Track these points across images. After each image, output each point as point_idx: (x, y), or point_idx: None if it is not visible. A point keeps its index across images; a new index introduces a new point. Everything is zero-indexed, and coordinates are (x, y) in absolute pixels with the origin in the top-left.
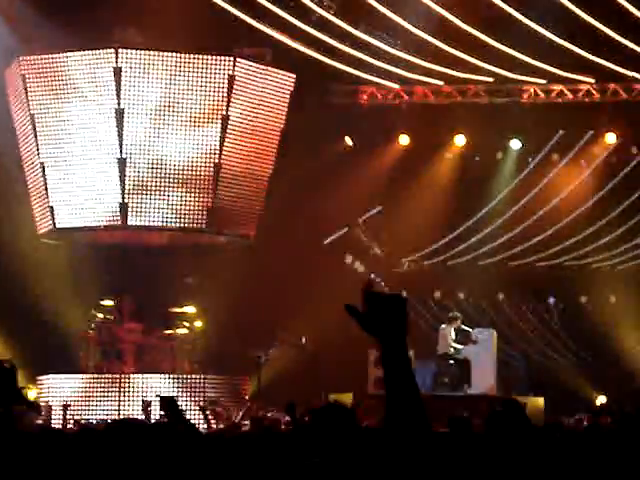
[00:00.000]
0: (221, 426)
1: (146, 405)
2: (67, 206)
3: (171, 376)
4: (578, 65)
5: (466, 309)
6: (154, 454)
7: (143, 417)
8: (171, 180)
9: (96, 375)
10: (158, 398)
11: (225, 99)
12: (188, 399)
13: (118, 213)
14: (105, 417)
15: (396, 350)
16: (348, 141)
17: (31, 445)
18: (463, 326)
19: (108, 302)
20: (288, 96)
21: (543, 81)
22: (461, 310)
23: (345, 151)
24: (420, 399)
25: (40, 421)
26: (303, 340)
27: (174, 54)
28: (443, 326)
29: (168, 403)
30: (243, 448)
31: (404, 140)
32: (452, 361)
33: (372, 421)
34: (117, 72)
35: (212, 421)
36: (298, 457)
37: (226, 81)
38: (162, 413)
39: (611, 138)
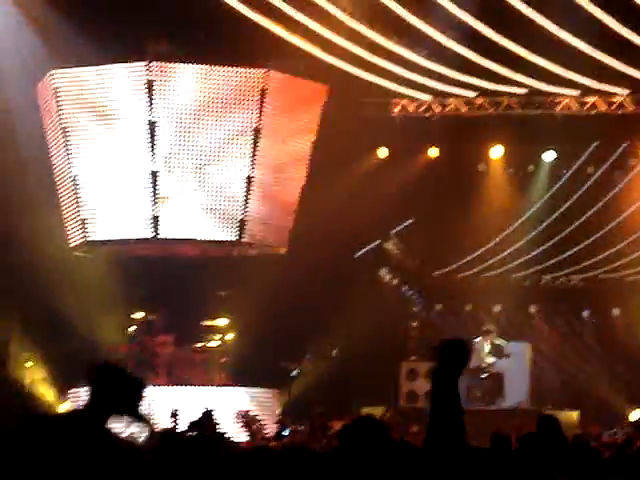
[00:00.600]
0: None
1: (173, 414)
2: (99, 219)
3: (203, 389)
4: (612, 76)
5: (499, 322)
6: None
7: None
8: (203, 192)
9: None
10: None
11: (257, 111)
12: (220, 412)
13: (150, 225)
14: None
15: (451, 380)
16: (384, 152)
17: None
18: (496, 339)
19: (140, 315)
20: (320, 108)
21: (576, 93)
22: (494, 323)
23: (378, 163)
24: (462, 422)
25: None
26: (334, 353)
27: (206, 66)
28: (477, 340)
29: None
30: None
31: (436, 152)
32: (485, 375)
33: (395, 435)
34: (149, 85)
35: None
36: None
37: (258, 93)
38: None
39: None
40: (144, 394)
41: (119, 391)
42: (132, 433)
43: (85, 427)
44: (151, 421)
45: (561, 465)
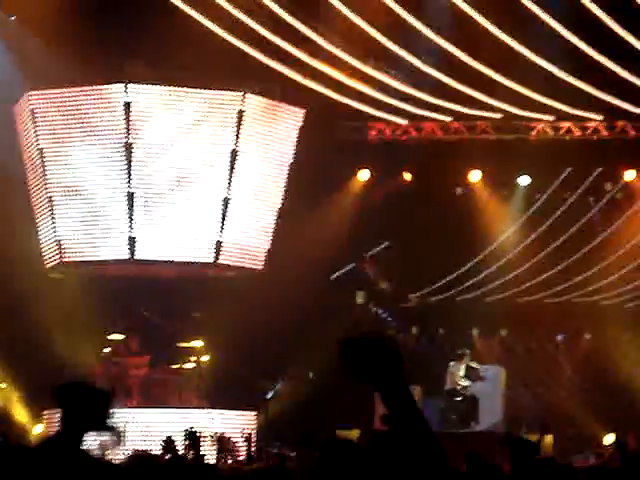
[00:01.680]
0: (229, 461)
1: (168, 442)
2: (75, 240)
3: (177, 411)
4: (586, 102)
5: (474, 345)
6: None
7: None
8: (179, 214)
9: None
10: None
11: (234, 134)
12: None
13: (126, 247)
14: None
15: (395, 390)
16: (365, 175)
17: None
18: (471, 363)
19: (116, 336)
20: (297, 131)
21: (551, 118)
22: (469, 346)
23: (354, 186)
24: (432, 433)
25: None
26: (310, 375)
27: (183, 89)
28: (452, 363)
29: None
30: None
31: (411, 176)
32: (460, 398)
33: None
34: (126, 107)
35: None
36: None
37: (235, 116)
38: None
39: (629, 175)
40: (112, 406)
41: (87, 407)
42: (103, 441)
43: (61, 452)
44: (121, 434)
45: None
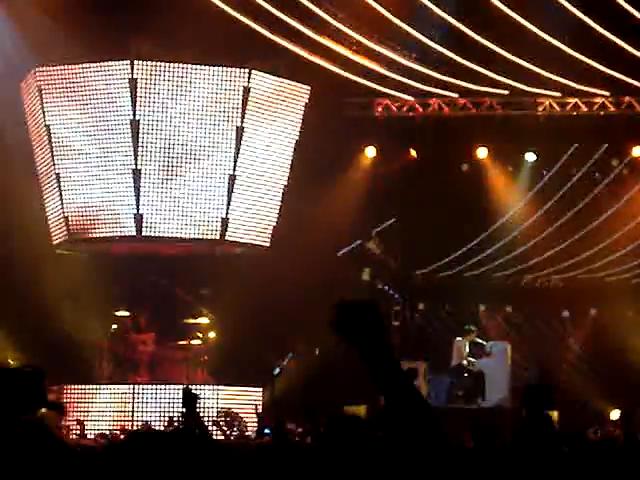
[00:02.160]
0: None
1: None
2: (82, 217)
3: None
4: (593, 78)
5: (480, 322)
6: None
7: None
8: (186, 191)
9: (110, 385)
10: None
11: (240, 111)
12: (201, 410)
13: (133, 224)
14: (118, 427)
15: (382, 358)
16: (372, 151)
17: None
18: (477, 339)
19: (123, 313)
20: (303, 108)
21: (558, 94)
22: (475, 323)
23: (360, 163)
24: (427, 405)
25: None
26: (316, 351)
27: (190, 66)
28: (459, 339)
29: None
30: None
31: (418, 152)
32: (466, 374)
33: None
34: (133, 83)
35: (226, 432)
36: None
37: (241, 93)
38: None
39: (636, 151)
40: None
41: (18, 390)
42: None
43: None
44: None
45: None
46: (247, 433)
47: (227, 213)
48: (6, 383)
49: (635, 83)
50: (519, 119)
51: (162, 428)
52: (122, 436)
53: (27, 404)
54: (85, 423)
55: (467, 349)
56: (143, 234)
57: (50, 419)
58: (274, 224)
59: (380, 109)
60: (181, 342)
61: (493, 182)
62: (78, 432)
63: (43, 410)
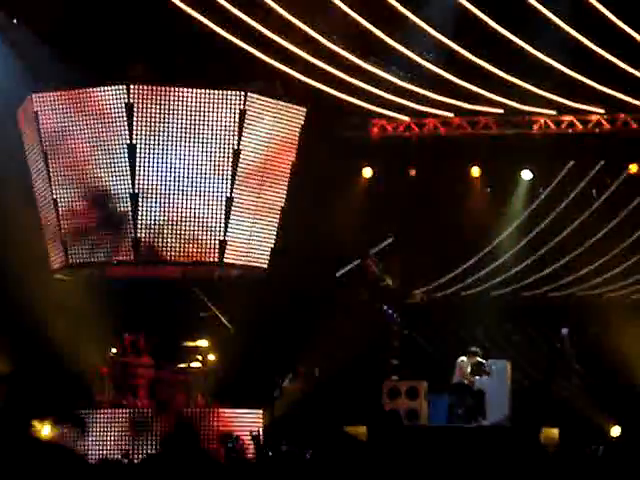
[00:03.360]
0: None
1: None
2: (80, 242)
3: (185, 410)
4: (588, 96)
5: (479, 340)
6: None
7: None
8: (183, 214)
9: (110, 410)
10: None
11: (236, 133)
12: (202, 433)
13: (131, 248)
14: (121, 453)
15: None
16: (368, 172)
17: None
18: (478, 358)
19: (121, 337)
20: (299, 129)
21: (553, 112)
22: (474, 341)
23: (358, 183)
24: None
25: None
26: (316, 372)
27: (185, 89)
28: (462, 359)
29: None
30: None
31: (415, 172)
32: (467, 393)
33: None
34: (129, 108)
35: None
36: None
37: (237, 115)
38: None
39: (633, 168)
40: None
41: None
42: None
43: None
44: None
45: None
46: (249, 455)
47: (225, 235)
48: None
49: (630, 100)
50: (514, 137)
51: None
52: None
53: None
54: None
55: (470, 369)
56: (141, 259)
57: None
58: (272, 246)
59: (376, 129)
60: (181, 365)
61: (490, 200)
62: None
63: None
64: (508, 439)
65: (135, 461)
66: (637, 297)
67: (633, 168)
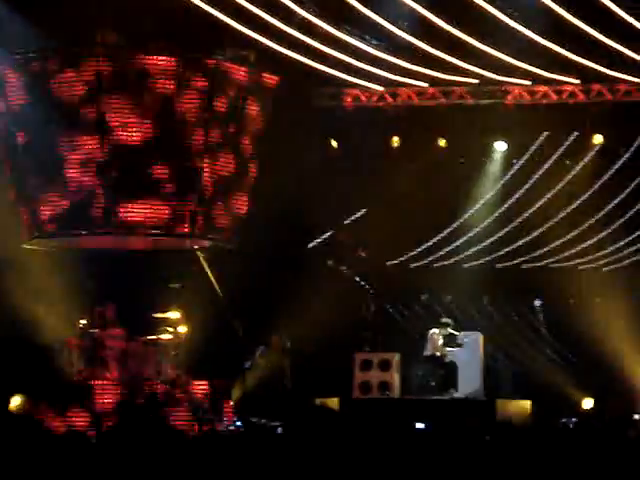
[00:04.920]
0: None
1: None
2: (50, 212)
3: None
4: (563, 66)
5: (452, 312)
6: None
7: None
8: (154, 185)
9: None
10: None
11: (207, 102)
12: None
13: (102, 218)
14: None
15: None
16: (333, 144)
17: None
18: (452, 331)
19: (91, 308)
20: (271, 99)
21: (528, 82)
22: (446, 313)
23: (330, 154)
24: None
25: None
26: (287, 344)
27: (156, 57)
28: (435, 330)
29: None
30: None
31: (389, 142)
32: (439, 365)
33: None
34: (98, 77)
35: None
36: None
37: (209, 83)
38: None
39: (597, 139)
40: None
41: None
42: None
43: None
44: None
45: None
46: (220, 427)
47: (195, 206)
48: None
49: (605, 71)
50: (489, 108)
51: None
52: None
53: None
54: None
55: (441, 340)
56: (111, 228)
57: None
58: (243, 216)
59: (349, 99)
60: (151, 337)
61: (464, 171)
62: None
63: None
64: (480, 411)
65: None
66: (610, 269)
67: (596, 140)
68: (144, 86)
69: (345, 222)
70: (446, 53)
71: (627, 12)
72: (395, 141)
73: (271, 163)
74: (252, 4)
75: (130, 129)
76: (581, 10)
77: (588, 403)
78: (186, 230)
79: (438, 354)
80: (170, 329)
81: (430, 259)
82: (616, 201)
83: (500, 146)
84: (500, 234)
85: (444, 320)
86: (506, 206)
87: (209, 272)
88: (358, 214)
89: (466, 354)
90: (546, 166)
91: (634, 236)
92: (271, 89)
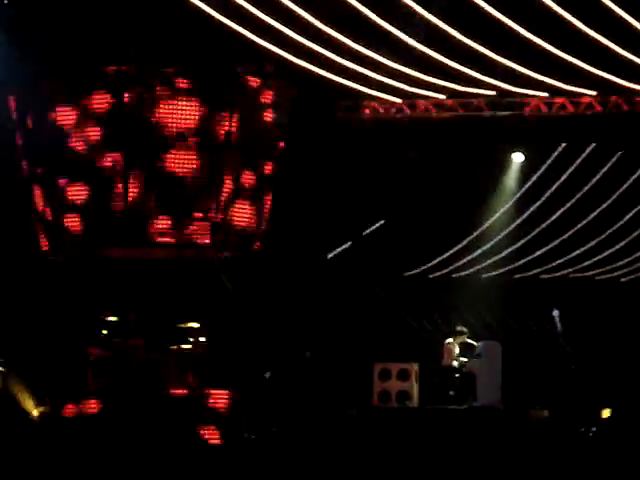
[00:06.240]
0: None
1: None
2: (74, 223)
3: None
4: (580, 78)
5: (470, 322)
6: None
7: None
8: (176, 196)
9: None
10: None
11: (227, 115)
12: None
13: (123, 229)
14: None
15: None
16: (360, 154)
17: None
18: (468, 340)
19: (112, 318)
20: (289, 111)
21: (545, 94)
22: (465, 323)
23: (350, 165)
24: None
25: None
26: (307, 354)
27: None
28: (450, 340)
29: None
30: None
31: (407, 154)
32: (457, 374)
33: None
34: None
35: None
36: None
37: (228, 96)
38: None
39: (613, 151)
40: None
41: None
42: None
43: None
44: None
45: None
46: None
47: (216, 217)
48: None
49: (622, 83)
50: (507, 119)
51: None
52: None
53: None
54: None
55: (457, 350)
56: (133, 239)
57: None
58: (264, 227)
59: (367, 111)
60: (171, 347)
61: (482, 182)
62: None
63: None
64: (499, 421)
65: None
66: (627, 279)
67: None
68: None
69: (365, 233)
70: (464, 65)
71: None
72: (405, 153)
73: (291, 175)
74: (271, 17)
75: None
76: (598, 22)
77: (607, 413)
78: (207, 241)
79: (455, 364)
80: (191, 339)
81: (448, 269)
82: (634, 211)
83: (518, 157)
84: (518, 244)
85: (459, 328)
86: (524, 217)
87: (226, 282)
88: (377, 225)
89: (485, 363)
90: (563, 177)
91: None
92: (290, 101)
